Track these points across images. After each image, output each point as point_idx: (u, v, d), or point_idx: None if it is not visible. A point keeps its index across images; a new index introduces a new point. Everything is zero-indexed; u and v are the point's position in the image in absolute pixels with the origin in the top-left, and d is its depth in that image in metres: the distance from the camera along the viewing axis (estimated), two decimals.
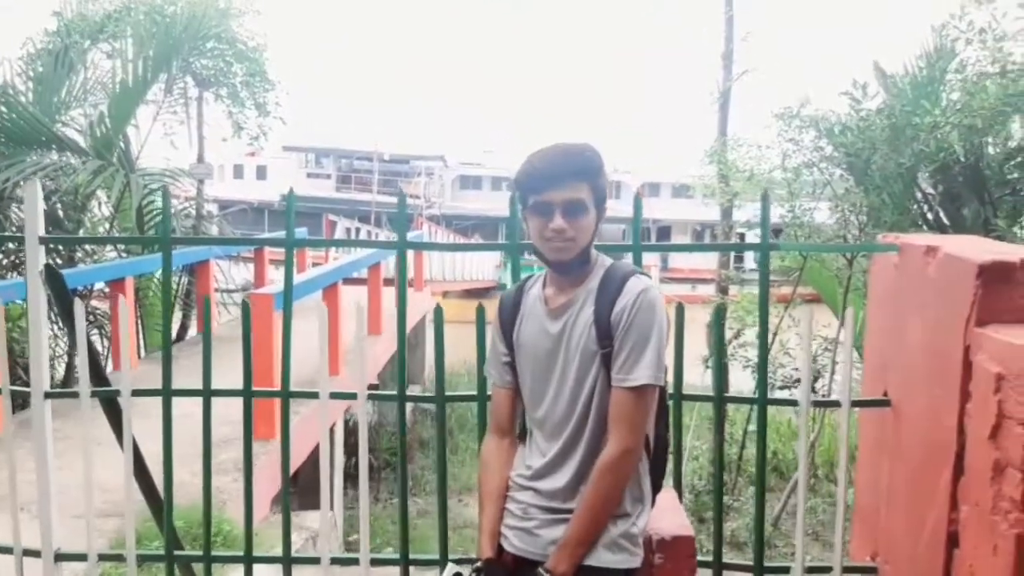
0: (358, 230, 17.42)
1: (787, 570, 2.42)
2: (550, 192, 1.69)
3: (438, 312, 2.42)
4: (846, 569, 2.43)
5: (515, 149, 42.15)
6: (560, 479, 1.73)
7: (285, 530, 2.54)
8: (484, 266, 26.08)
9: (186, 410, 2.61)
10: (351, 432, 8.91)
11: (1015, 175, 7.20)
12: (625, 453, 1.66)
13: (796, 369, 8.31)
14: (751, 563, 2.39)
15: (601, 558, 1.67)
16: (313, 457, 6.60)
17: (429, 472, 10.17)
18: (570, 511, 1.69)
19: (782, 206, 7.92)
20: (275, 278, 10.77)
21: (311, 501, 6.64)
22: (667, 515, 1.88)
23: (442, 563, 2.52)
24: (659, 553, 1.86)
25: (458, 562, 1.96)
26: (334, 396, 2.53)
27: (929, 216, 7.95)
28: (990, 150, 7.13)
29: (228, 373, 2.66)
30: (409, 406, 2.45)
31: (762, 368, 2.39)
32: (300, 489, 6.36)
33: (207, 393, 2.46)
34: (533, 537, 1.74)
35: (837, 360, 8.16)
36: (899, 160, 6.99)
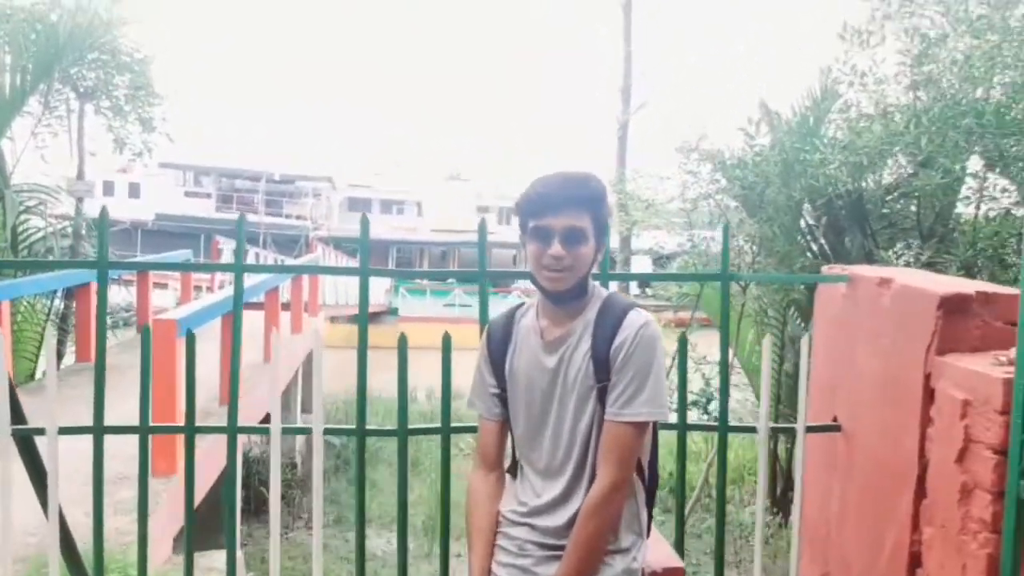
0: (246, 252, 16.74)
1: None
2: (549, 218, 1.65)
3: (402, 341, 2.32)
4: None
5: (407, 172, 41.89)
6: (560, 518, 1.68)
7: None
8: (374, 290, 25.70)
9: (73, 445, 2.36)
10: (248, 464, 8.50)
11: (893, 208, 7.74)
12: (615, 489, 1.64)
13: (694, 392, 8.54)
14: None
15: None
16: (214, 493, 6.23)
17: (326, 505, 9.83)
18: (564, 539, 1.65)
19: (680, 235, 8.21)
20: (160, 303, 10.18)
21: (213, 540, 6.27)
22: (653, 546, 1.87)
23: None
24: None
25: None
26: (286, 431, 2.38)
27: (814, 246, 8.42)
28: (870, 185, 7.64)
29: (116, 404, 2.43)
30: (300, 437, 2.32)
31: (723, 395, 2.44)
32: (200, 527, 5.97)
33: (99, 430, 2.23)
34: (529, 575, 1.68)
35: (735, 383, 8.48)
36: (790, 193, 7.39)
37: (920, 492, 2.06)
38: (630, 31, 10.53)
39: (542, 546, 1.68)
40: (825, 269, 2.66)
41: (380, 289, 27.03)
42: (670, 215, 8.43)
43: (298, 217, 31.93)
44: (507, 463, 1.88)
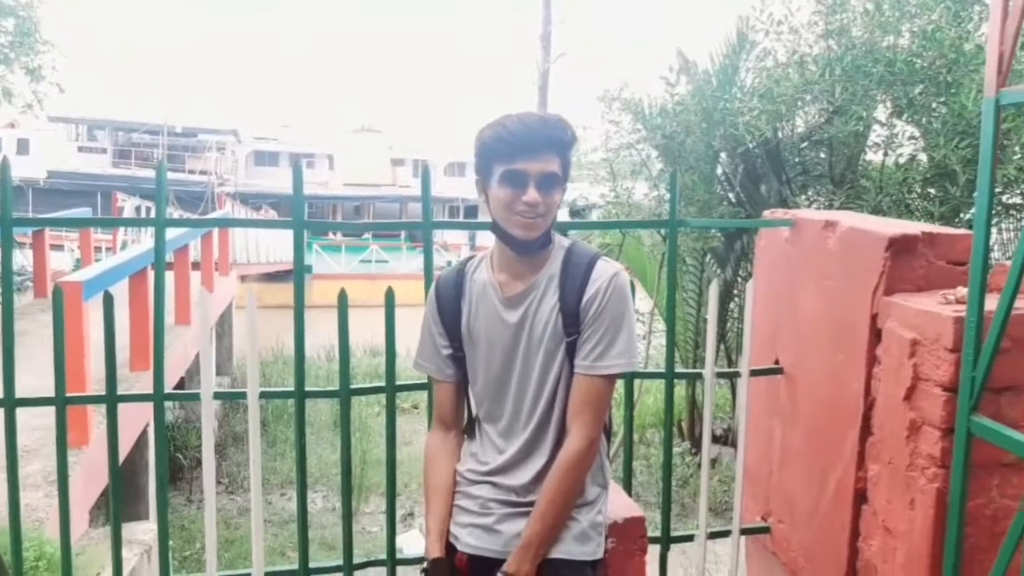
0: (148, 208, 15.87)
1: (691, 538, 2.48)
2: (525, 162, 1.55)
3: (343, 297, 2.20)
4: (743, 531, 2.54)
5: (316, 125, 40.59)
6: (525, 475, 1.62)
7: (116, 552, 2.21)
8: (285, 247, 24.95)
9: None
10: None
11: (807, 156, 7.93)
12: (590, 445, 1.59)
13: None
14: (692, 533, 2.43)
15: (571, 551, 1.58)
16: (127, 463, 5.96)
17: (246, 469, 9.61)
18: (532, 504, 1.59)
19: (604, 185, 8.21)
20: (57, 266, 9.58)
21: (129, 511, 6.01)
22: (613, 497, 1.84)
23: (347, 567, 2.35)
24: (611, 537, 1.82)
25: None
26: (219, 396, 2.24)
27: (731, 195, 8.57)
28: (786, 132, 7.78)
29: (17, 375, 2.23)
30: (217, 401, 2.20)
31: (669, 344, 2.42)
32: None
33: (10, 403, 2.05)
34: (494, 534, 1.61)
35: (652, 331, 8.62)
36: (709, 143, 7.47)
37: (866, 430, 2.10)
38: None
39: (505, 503, 1.62)
40: (767, 214, 2.66)
41: (291, 245, 26.34)
42: (594, 166, 8.40)
43: (201, 172, 30.52)
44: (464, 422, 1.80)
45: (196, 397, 2.19)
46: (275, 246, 21.92)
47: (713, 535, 2.49)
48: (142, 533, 4.50)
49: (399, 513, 8.21)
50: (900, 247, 2.01)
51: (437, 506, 1.70)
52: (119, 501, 2.29)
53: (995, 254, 7.23)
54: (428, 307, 1.76)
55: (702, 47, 8.34)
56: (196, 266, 9.49)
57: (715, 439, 9.17)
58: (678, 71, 7.84)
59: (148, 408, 2.25)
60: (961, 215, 6.35)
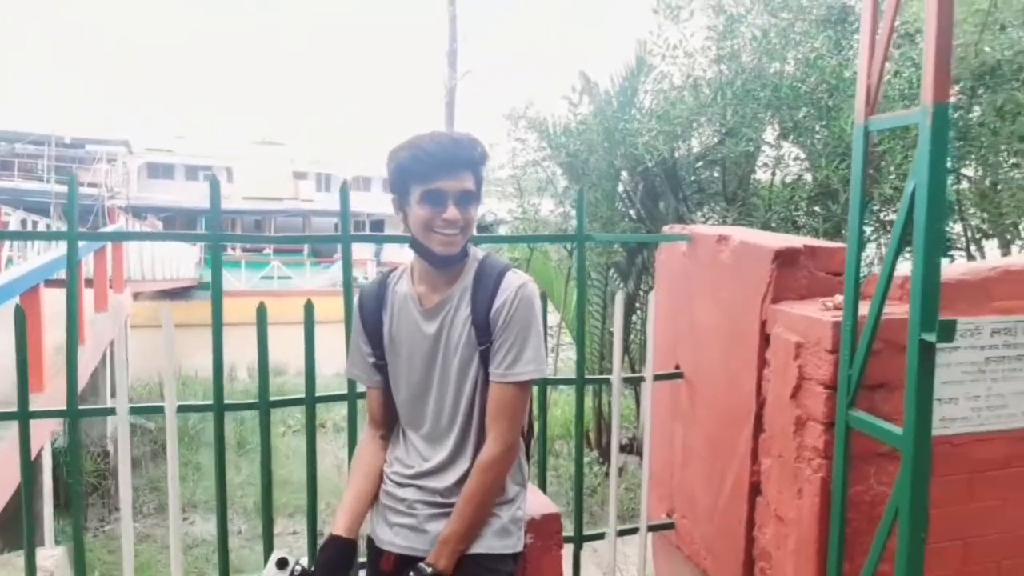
0: (35, 223, 15.08)
1: (602, 536, 2.61)
2: (443, 181, 1.61)
3: (262, 311, 2.23)
4: (650, 528, 2.69)
5: (213, 137, 39.37)
6: (449, 478, 1.69)
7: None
8: (183, 263, 24.09)
9: None
10: (55, 456, 7.78)
11: (701, 175, 8.33)
12: (507, 450, 1.67)
13: None
14: (603, 531, 2.55)
15: (493, 545, 1.67)
16: (18, 490, 5.66)
17: (144, 494, 9.25)
18: (453, 496, 1.67)
19: (511, 201, 8.37)
20: None
21: (19, 539, 5.70)
22: (530, 495, 1.93)
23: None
24: (530, 533, 1.92)
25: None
26: (136, 412, 2.23)
27: (631, 212, 8.89)
28: (682, 152, 8.15)
29: None
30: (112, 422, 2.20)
31: (580, 351, 2.55)
32: (2, 526, 5.43)
33: None
34: (420, 534, 1.68)
35: (560, 343, 8.82)
36: (611, 161, 7.74)
37: (758, 427, 2.28)
38: None
39: (431, 504, 1.69)
40: (666, 229, 2.84)
41: (190, 262, 25.42)
42: (501, 182, 8.56)
43: (91, 185, 29.09)
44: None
45: (112, 412, 2.17)
46: (170, 262, 21.16)
47: (622, 532, 2.63)
48: (43, 559, 4.29)
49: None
50: (785, 259, 2.20)
51: (353, 488, 1.77)
52: (31, 524, 2.23)
53: (876, 267, 7.79)
54: (353, 318, 1.83)
55: (603, 69, 8.63)
56: (89, 283, 9.09)
57: (620, 448, 9.43)
58: (581, 92, 8.11)
59: (43, 429, 2.21)
60: (843, 231, 6.81)
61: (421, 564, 1.63)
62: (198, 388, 13.86)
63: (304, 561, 1.71)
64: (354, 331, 1.83)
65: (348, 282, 2.32)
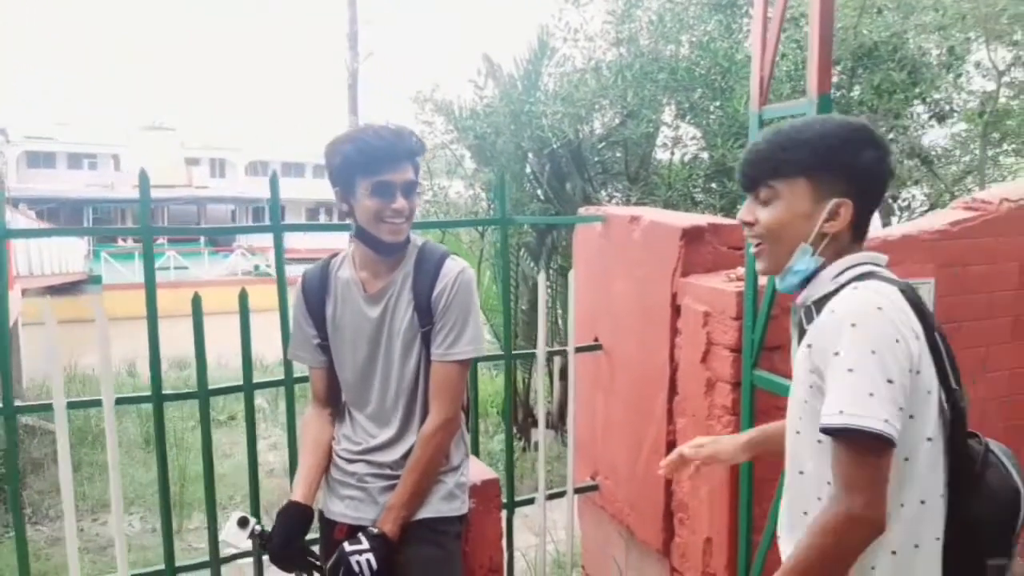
0: None
1: (532, 501, 2.78)
2: (390, 173, 1.71)
3: (196, 301, 2.26)
4: (576, 490, 2.88)
5: (98, 123, 37.37)
6: (396, 452, 1.80)
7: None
8: (70, 256, 22.88)
9: None
10: None
11: (604, 155, 8.59)
12: (447, 423, 1.79)
13: None
14: (533, 496, 2.70)
15: (439, 508, 1.79)
16: None
17: (50, 497, 8.90)
18: (399, 469, 1.79)
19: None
20: None
21: None
22: (471, 464, 2.07)
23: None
24: (472, 498, 2.05)
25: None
26: (73, 405, 2.23)
27: (539, 192, 9.09)
28: (586, 134, 8.39)
29: None
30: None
31: (507, 328, 2.69)
32: None
33: None
34: (371, 504, 1.78)
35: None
36: (518, 143, 7.90)
37: (672, 391, 2.49)
38: None
39: (380, 476, 1.80)
40: (582, 210, 3.01)
41: (77, 255, 24.18)
42: None
43: None
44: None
45: (49, 408, 2.17)
46: (56, 256, 20.11)
47: (551, 496, 2.80)
48: None
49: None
50: (692, 236, 2.41)
51: (307, 459, 1.87)
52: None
53: None
54: (296, 302, 1.91)
55: (506, 52, 8.75)
56: None
57: (535, 423, 9.70)
58: (486, 75, 8.21)
59: None
60: (738, 206, 7.19)
61: (369, 527, 1.73)
62: (92, 385, 13.32)
63: (261, 523, 1.80)
64: (297, 314, 1.90)
65: (281, 270, 2.38)
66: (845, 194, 1.30)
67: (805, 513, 1.33)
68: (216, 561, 2.33)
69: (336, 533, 1.82)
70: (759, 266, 1.41)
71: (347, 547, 1.67)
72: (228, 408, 11.06)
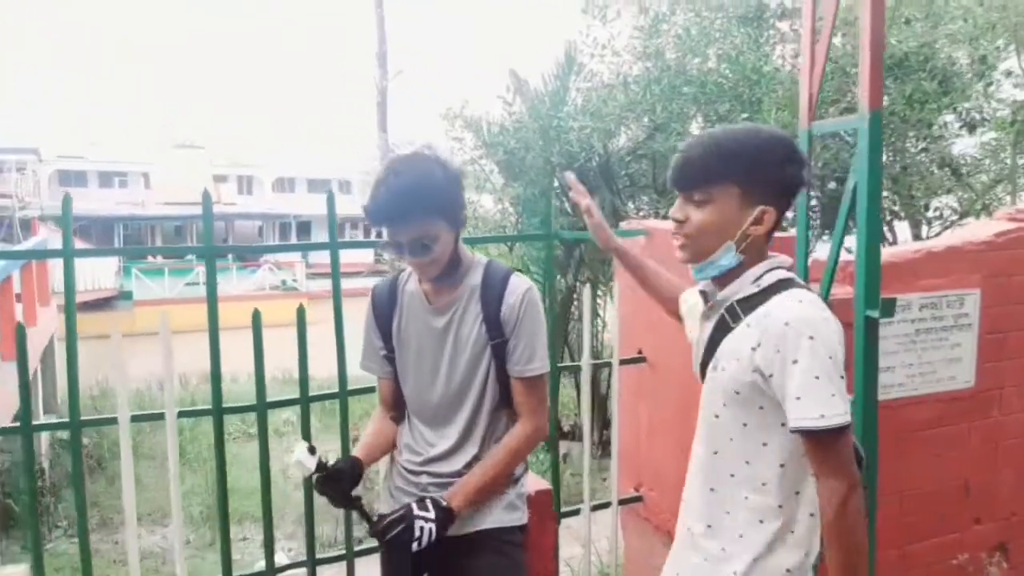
0: None
1: (578, 512, 2.81)
2: (395, 232, 1.72)
3: (256, 317, 2.33)
4: (620, 502, 2.91)
5: (128, 142, 38.06)
6: (458, 463, 1.84)
7: None
8: (101, 273, 23.23)
9: None
10: None
11: (632, 168, 8.64)
12: (537, 431, 1.85)
13: None
14: (577, 507, 2.73)
15: (502, 519, 1.84)
16: None
17: (89, 510, 9.05)
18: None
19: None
20: None
21: None
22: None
23: None
24: (529, 508, 2.09)
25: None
26: (137, 419, 2.31)
27: (567, 207, 9.15)
28: (616, 147, 8.44)
29: None
30: (46, 439, 2.30)
31: (552, 343, 2.73)
32: None
33: None
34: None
35: None
36: (547, 158, 7.97)
37: None
38: None
39: (444, 487, 1.83)
40: (624, 224, 3.05)
41: (107, 271, 24.55)
42: None
43: (1, 195, 27.87)
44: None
45: (114, 421, 2.24)
46: (88, 273, 20.47)
47: (596, 507, 2.83)
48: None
49: (259, 537, 8.06)
50: None
51: (369, 432, 1.98)
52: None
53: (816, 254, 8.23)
54: (367, 315, 1.98)
55: (534, 68, 8.84)
56: (18, 298, 8.85)
57: (563, 435, 9.71)
58: (513, 91, 8.30)
59: None
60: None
61: (439, 498, 1.76)
62: (133, 399, 13.51)
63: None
64: (366, 326, 1.97)
65: (337, 286, 2.44)
66: (769, 202, 1.47)
67: (712, 490, 1.55)
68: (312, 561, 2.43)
69: None
70: (679, 255, 1.56)
71: (416, 509, 1.71)
72: (251, 421, 11.16)
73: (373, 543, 2.61)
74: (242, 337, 2.48)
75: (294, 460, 1.71)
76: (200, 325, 2.36)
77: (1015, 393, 2.60)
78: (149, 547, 8.46)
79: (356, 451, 1.91)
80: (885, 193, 7.99)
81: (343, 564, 2.56)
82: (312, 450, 1.77)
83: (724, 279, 1.52)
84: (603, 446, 7.59)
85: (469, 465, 1.84)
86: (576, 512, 2.81)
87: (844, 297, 2.22)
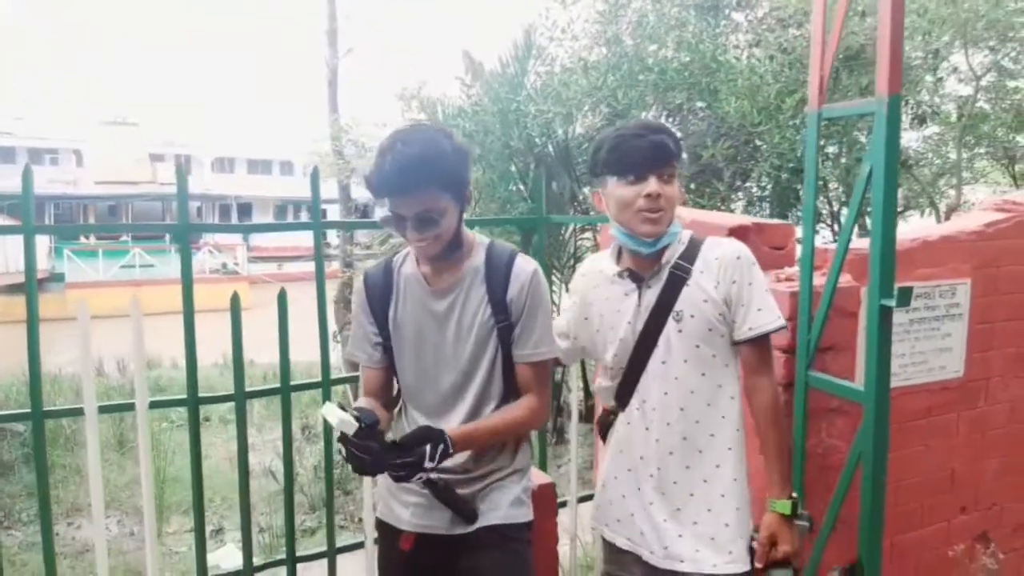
0: None
1: (564, 504, 2.74)
2: (400, 204, 1.61)
3: (235, 300, 2.19)
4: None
5: (60, 116, 36.49)
6: (459, 456, 1.71)
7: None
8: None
9: None
10: None
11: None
12: (543, 409, 1.77)
13: None
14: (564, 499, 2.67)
15: (509, 514, 1.74)
16: None
17: (21, 500, 8.66)
18: (470, 473, 1.74)
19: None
20: None
21: None
22: None
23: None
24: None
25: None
26: (104, 409, 2.14)
27: (524, 190, 9.06)
28: (575, 132, 8.38)
29: None
30: None
31: None
32: None
33: None
34: (441, 510, 1.72)
35: None
36: (507, 142, 7.86)
37: None
38: None
39: (448, 479, 1.74)
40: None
41: (39, 252, 23.55)
42: None
43: None
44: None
45: (80, 412, 2.08)
46: (15, 254, 19.60)
47: (582, 499, 2.77)
48: None
49: (207, 529, 7.84)
50: (737, 234, 2.37)
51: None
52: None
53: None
54: (358, 299, 1.85)
55: (492, 50, 8.72)
56: None
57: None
58: (470, 73, 8.15)
59: None
60: (729, 205, 7.23)
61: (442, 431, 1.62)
62: (66, 387, 12.99)
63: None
64: (357, 312, 1.85)
65: (320, 269, 2.31)
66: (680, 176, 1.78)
67: (684, 439, 1.77)
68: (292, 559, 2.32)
69: (403, 543, 1.76)
70: (654, 228, 1.72)
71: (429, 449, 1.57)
72: (203, 410, 10.86)
73: (355, 540, 2.52)
74: (175, 320, 2.29)
75: (336, 422, 1.51)
76: (147, 307, 2.19)
77: (1000, 384, 2.62)
78: (93, 539, 8.15)
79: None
80: (836, 185, 8.14)
81: (324, 561, 2.44)
82: (342, 407, 1.58)
83: (659, 248, 1.76)
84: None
85: (474, 457, 1.74)
86: (563, 505, 2.74)
87: (844, 286, 2.19)
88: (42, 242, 23.33)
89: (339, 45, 10.71)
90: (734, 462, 1.79)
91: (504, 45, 8.65)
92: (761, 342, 1.75)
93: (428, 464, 1.56)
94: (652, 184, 1.70)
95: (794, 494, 1.78)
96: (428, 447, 1.57)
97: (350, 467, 1.56)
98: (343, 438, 1.53)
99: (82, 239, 26.25)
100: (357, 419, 1.52)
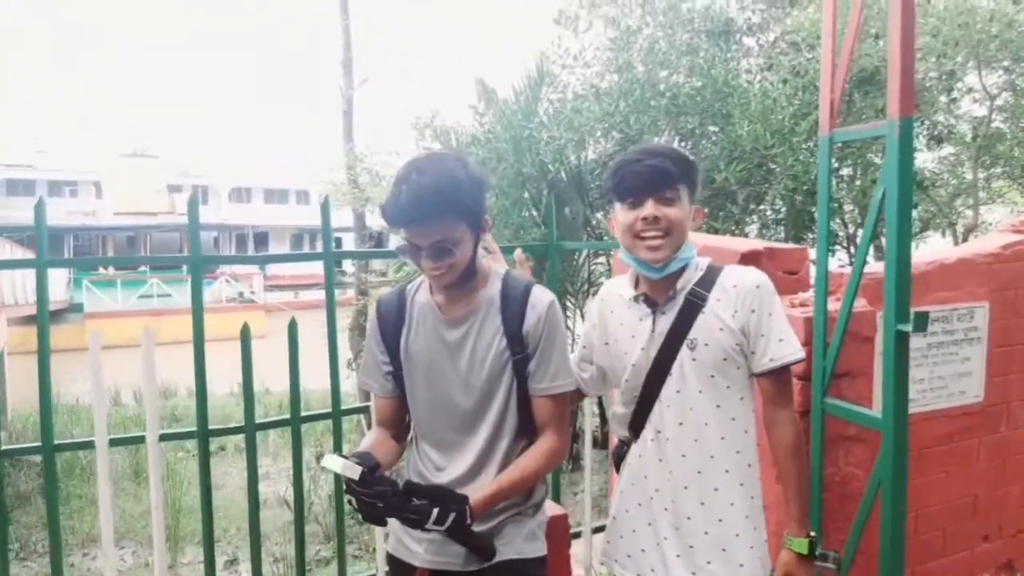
0: None
1: (578, 535, 2.70)
2: (415, 234, 1.61)
3: (245, 331, 2.19)
4: None
5: (80, 149, 37.10)
6: (474, 490, 1.66)
7: None
8: (51, 285, 22.38)
9: None
10: None
11: (602, 179, 8.60)
12: (562, 447, 1.74)
13: None
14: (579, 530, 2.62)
15: (523, 549, 1.71)
16: None
17: (37, 531, 8.66)
18: None
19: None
20: None
21: None
22: None
23: None
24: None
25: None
26: (116, 443, 2.14)
27: (537, 216, 9.07)
28: (588, 158, 8.40)
29: None
30: None
31: None
32: None
33: None
34: (452, 545, 1.69)
35: None
36: (520, 169, 7.89)
37: None
38: (346, 1, 10.48)
39: None
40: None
41: (57, 283, 23.81)
42: None
43: None
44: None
45: (90, 445, 2.08)
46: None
47: (596, 530, 2.73)
48: None
49: (220, 560, 7.79)
50: (749, 260, 2.36)
51: (366, 444, 1.76)
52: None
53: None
54: (370, 327, 1.83)
55: (507, 77, 8.78)
56: None
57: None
58: (484, 101, 8.21)
59: None
60: (743, 228, 7.20)
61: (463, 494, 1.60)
62: (83, 417, 13.05)
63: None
64: (370, 341, 1.83)
65: (331, 297, 2.31)
66: (694, 202, 1.74)
67: (699, 472, 1.72)
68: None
69: (416, 573, 1.73)
70: (658, 255, 1.69)
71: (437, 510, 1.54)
72: (216, 440, 10.87)
73: (369, 571, 2.49)
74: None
75: (340, 469, 1.49)
76: (158, 337, 2.20)
77: (1021, 407, 2.57)
78: (97, 568, 8.14)
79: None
80: (851, 207, 8.09)
81: None
82: (343, 456, 1.56)
83: (673, 273, 1.72)
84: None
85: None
86: (577, 535, 2.70)
87: (859, 311, 2.16)
88: (61, 273, 23.60)
89: (355, 75, 10.85)
90: (748, 499, 1.75)
91: (519, 73, 8.73)
92: (781, 374, 1.71)
93: (431, 526, 1.53)
94: (648, 207, 1.67)
95: (812, 533, 1.74)
96: (436, 511, 1.53)
97: (360, 516, 1.54)
98: (349, 488, 1.51)
99: (100, 270, 26.53)
100: (359, 464, 1.50)
